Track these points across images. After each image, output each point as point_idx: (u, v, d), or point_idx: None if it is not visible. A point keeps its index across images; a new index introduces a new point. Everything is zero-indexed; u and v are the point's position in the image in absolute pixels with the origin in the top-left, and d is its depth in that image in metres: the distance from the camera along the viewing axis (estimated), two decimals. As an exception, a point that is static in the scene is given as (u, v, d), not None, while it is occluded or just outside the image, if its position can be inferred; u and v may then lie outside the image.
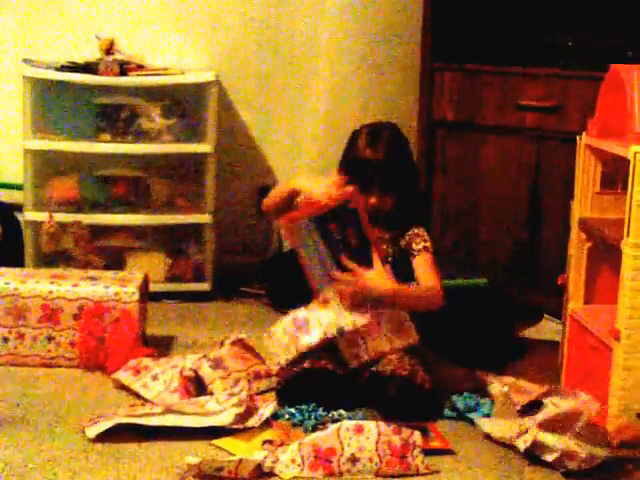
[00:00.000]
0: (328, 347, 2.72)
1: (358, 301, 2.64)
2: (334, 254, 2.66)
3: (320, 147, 3.99)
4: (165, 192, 3.76)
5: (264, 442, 2.42)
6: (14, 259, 3.55)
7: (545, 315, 3.48)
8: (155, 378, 2.77)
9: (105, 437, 2.42)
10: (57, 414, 2.60)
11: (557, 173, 3.42)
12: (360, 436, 2.33)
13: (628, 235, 2.51)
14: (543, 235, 3.50)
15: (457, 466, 2.39)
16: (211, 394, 2.67)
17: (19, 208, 3.72)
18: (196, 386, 2.73)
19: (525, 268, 3.54)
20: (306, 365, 2.68)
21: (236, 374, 2.77)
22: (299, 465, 2.28)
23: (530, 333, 3.41)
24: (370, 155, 2.79)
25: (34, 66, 3.62)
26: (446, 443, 2.49)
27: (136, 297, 2.97)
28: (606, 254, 2.82)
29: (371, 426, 2.36)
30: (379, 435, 2.34)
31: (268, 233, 3.99)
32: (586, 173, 2.86)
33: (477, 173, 3.60)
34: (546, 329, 3.43)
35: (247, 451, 2.37)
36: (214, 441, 2.44)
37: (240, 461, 2.25)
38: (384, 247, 2.84)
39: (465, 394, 2.74)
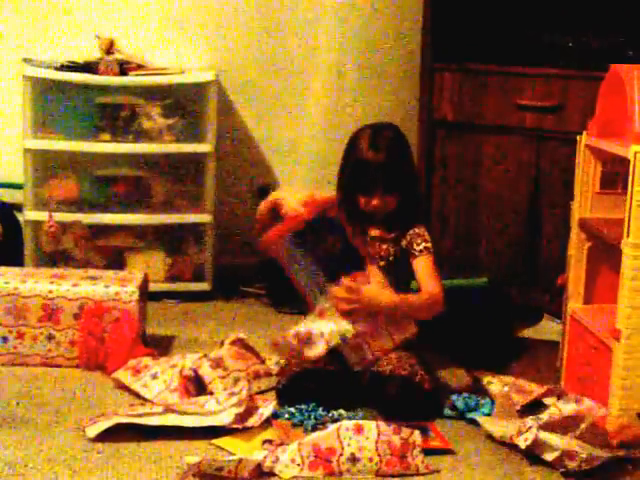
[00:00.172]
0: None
1: (359, 314, 2.65)
2: (322, 266, 2.68)
3: (320, 147, 3.99)
4: (165, 192, 3.76)
5: (264, 442, 2.42)
6: (14, 258, 3.55)
7: (545, 315, 3.48)
8: (155, 377, 2.77)
9: (105, 437, 2.42)
10: (57, 413, 2.60)
11: (557, 173, 3.42)
12: (360, 436, 2.33)
13: (628, 235, 2.51)
14: (543, 235, 3.50)
15: (457, 466, 2.39)
16: (211, 394, 2.67)
17: (19, 207, 3.72)
18: (196, 386, 2.73)
19: (525, 268, 3.54)
20: (306, 365, 2.68)
21: (236, 374, 2.77)
22: (299, 465, 2.28)
23: (530, 333, 3.41)
24: (372, 157, 2.78)
25: (34, 65, 3.62)
26: (446, 443, 2.49)
27: (136, 297, 2.97)
28: (606, 254, 2.82)
29: (371, 426, 2.36)
30: (379, 435, 2.34)
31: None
32: (586, 173, 2.86)
33: (477, 173, 3.60)
34: (546, 329, 3.43)
35: (247, 451, 2.37)
36: (214, 441, 2.44)
37: (240, 461, 2.25)
38: (385, 247, 2.84)
39: (465, 394, 2.74)
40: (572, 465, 2.34)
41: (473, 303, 3.22)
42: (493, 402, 2.69)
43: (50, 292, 2.95)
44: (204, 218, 3.74)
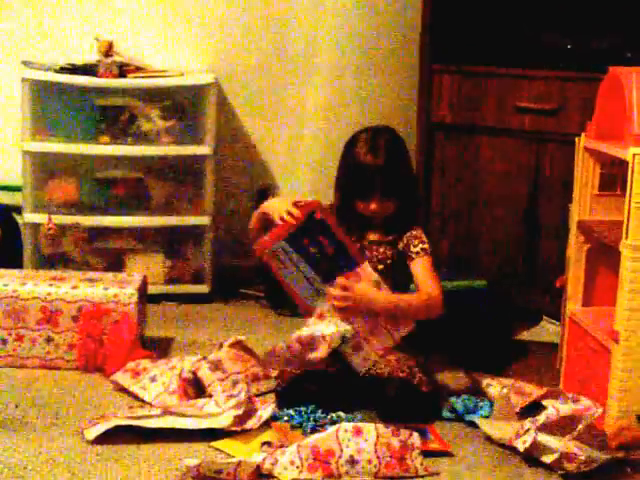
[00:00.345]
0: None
1: (356, 313, 2.66)
2: (316, 268, 2.69)
3: (319, 149, 3.99)
4: (164, 194, 3.76)
5: (263, 444, 2.43)
6: (13, 261, 3.55)
7: (544, 317, 3.48)
8: (154, 380, 2.77)
9: (104, 439, 2.42)
10: (56, 416, 2.60)
11: (556, 175, 3.42)
12: (359, 438, 2.33)
13: (627, 237, 2.51)
14: (542, 237, 3.50)
15: (456, 468, 2.39)
16: (210, 396, 2.66)
17: (18, 210, 3.72)
18: (195, 388, 2.73)
19: (524, 270, 3.54)
20: (307, 367, 2.68)
21: (235, 376, 2.77)
22: (298, 467, 2.28)
23: (529, 335, 3.42)
24: (370, 161, 2.77)
25: (33, 68, 3.63)
26: (445, 445, 2.49)
27: (135, 299, 2.97)
28: (605, 256, 2.82)
29: (370, 428, 2.36)
30: (378, 437, 2.34)
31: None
32: (585, 175, 2.86)
33: (476, 175, 3.60)
34: (545, 331, 3.43)
35: (246, 453, 2.37)
36: (213, 443, 2.44)
37: (239, 463, 2.25)
38: (382, 250, 2.84)
39: (464, 396, 2.74)
40: (571, 467, 2.34)
41: (472, 305, 3.22)
42: (492, 404, 2.70)
43: (49, 294, 2.95)
44: (203, 220, 3.74)
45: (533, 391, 2.76)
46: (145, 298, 3.15)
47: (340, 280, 2.65)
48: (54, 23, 3.83)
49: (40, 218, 3.61)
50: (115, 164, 3.71)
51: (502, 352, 3.17)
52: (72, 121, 3.66)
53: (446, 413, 2.68)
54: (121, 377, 2.81)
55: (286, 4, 3.92)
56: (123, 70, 3.66)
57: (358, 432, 2.34)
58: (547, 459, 2.36)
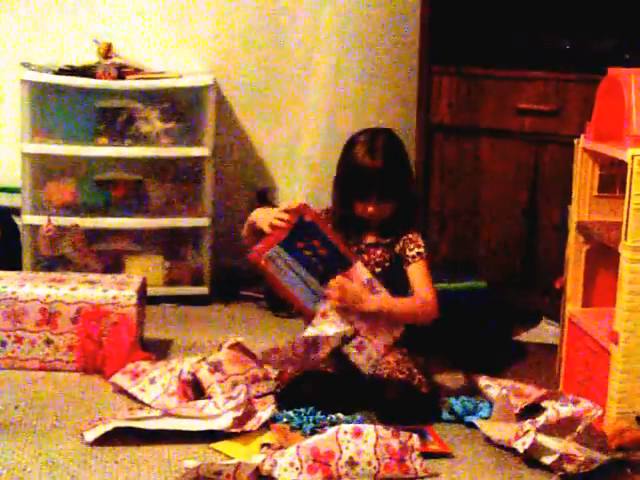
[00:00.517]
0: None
1: (354, 312, 2.68)
2: (312, 271, 2.71)
3: (318, 151, 3.99)
4: (163, 195, 3.76)
5: (262, 445, 2.42)
6: (12, 262, 3.55)
7: (543, 318, 3.48)
8: (153, 382, 2.77)
9: (103, 441, 2.42)
10: (55, 418, 2.59)
11: (555, 176, 3.42)
12: (358, 439, 2.33)
13: (626, 238, 2.51)
14: (541, 238, 3.50)
15: (455, 469, 2.39)
16: (209, 398, 2.66)
17: (17, 212, 3.72)
18: (194, 389, 2.73)
19: (523, 271, 3.55)
20: (307, 367, 2.68)
21: (234, 377, 2.77)
22: (297, 468, 2.28)
23: (528, 336, 3.42)
24: (368, 163, 2.77)
25: (32, 70, 3.62)
26: (444, 446, 2.49)
27: (134, 301, 2.97)
28: (604, 257, 2.82)
29: (370, 429, 2.35)
30: (377, 438, 2.33)
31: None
32: (584, 176, 2.86)
33: (475, 176, 3.60)
34: (544, 332, 3.43)
35: (245, 454, 2.37)
36: (212, 445, 2.44)
37: (238, 465, 2.25)
38: (379, 252, 2.84)
39: (463, 397, 2.74)
40: (571, 468, 2.34)
41: (471, 306, 3.22)
42: (491, 405, 2.69)
43: (48, 296, 2.95)
44: (202, 222, 3.74)
45: (532, 392, 2.76)
46: (144, 300, 3.15)
47: (333, 281, 2.67)
48: (53, 25, 3.83)
49: (39, 220, 3.60)
50: (114, 166, 3.71)
51: (501, 353, 3.17)
52: (71, 123, 3.67)
53: (445, 414, 2.68)
54: (120, 379, 2.80)
55: (285, 6, 3.92)
56: (122, 72, 3.66)
57: (358, 434, 2.34)
58: (547, 460, 2.36)
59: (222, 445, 2.44)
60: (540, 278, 3.48)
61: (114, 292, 2.97)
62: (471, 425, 2.62)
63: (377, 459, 2.31)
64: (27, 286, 2.97)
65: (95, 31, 3.79)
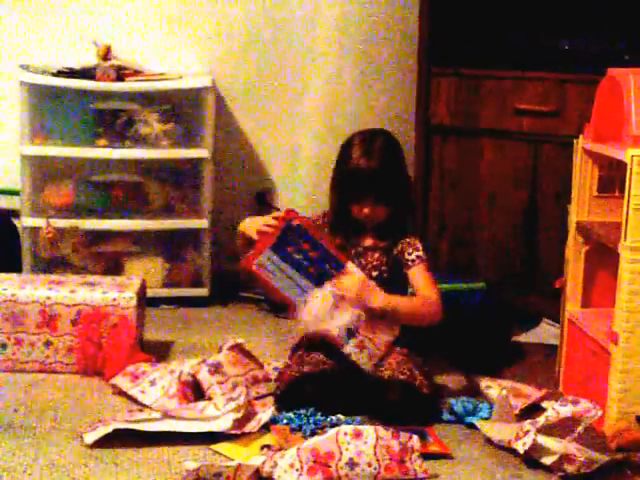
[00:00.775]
0: (329, 352, 2.73)
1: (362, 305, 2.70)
2: (305, 274, 2.74)
3: (318, 152, 3.99)
4: (163, 197, 3.76)
5: (262, 447, 2.42)
6: (12, 265, 3.55)
7: (543, 318, 3.48)
8: (153, 383, 2.77)
9: (103, 443, 2.42)
10: (55, 420, 2.59)
11: (555, 177, 3.42)
12: (359, 441, 2.32)
13: (625, 238, 2.51)
14: (541, 239, 3.50)
15: (455, 470, 2.39)
16: (209, 399, 2.66)
17: (16, 214, 3.72)
18: (194, 391, 2.73)
19: (523, 272, 3.55)
20: (305, 370, 2.68)
21: (234, 379, 2.77)
22: (297, 470, 2.28)
23: (528, 337, 3.42)
24: (364, 164, 2.77)
25: (31, 72, 3.63)
26: (444, 447, 2.49)
27: (134, 302, 2.97)
28: (604, 257, 2.82)
29: (370, 430, 2.35)
30: (377, 440, 2.33)
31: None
32: (583, 177, 2.86)
33: (475, 177, 3.60)
34: (544, 333, 3.43)
35: (245, 456, 2.37)
36: (212, 446, 2.44)
37: (239, 466, 2.25)
38: (376, 256, 2.84)
39: (463, 398, 2.74)
40: (571, 469, 2.34)
41: (471, 307, 3.22)
42: (491, 406, 2.69)
43: (48, 298, 2.94)
44: (202, 223, 3.74)
45: (532, 393, 2.76)
46: (144, 301, 3.15)
47: (338, 281, 2.69)
48: (52, 27, 3.83)
49: (38, 222, 3.60)
50: (113, 168, 3.71)
51: (501, 354, 3.17)
52: (70, 125, 3.66)
53: (446, 415, 2.68)
54: (120, 381, 2.80)
55: (284, 7, 3.92)
56: (121, 74, 3.66)
57: (358, 435, 2.34)
58: (547, 461, 2.36)
59: (222, 447, 2.44)
60: (540, 278, 3.48)
61: (114, 294, 2.97)
62: (471, 426, 2.62)
63: (377, 460, 2.31)
64: (27, 288, 2.97)
65: (94, 33, 3.79)
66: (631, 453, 2.44)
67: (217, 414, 2.53)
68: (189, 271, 3.78)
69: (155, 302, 3.56)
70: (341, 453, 2.30)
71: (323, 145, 3.96)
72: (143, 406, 2.69)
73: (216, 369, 2.76)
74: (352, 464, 2.29)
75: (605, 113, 2.76)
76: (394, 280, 2.81)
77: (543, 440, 2.38)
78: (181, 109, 3.73)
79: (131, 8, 3.86)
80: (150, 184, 3.75)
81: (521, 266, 3.55)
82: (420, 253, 2.81)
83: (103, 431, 2.44)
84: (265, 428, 2.53)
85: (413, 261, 2.81)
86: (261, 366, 2.93)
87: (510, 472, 2.39)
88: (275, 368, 2.93)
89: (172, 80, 3.71)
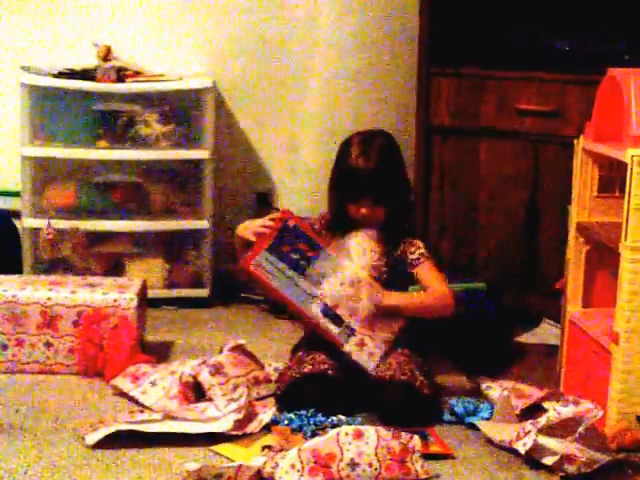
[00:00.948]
0: (329, 352, 2.73)
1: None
2: (302, 273, 2.75)
3: (318, 152, 3.99)
4: (163, 198, 3.76)
5: (263, 448, 2.42)
6: (12, 266, 3.55)
7: (544, 319, 3.48)
8: (154, 384, 2.77)
9: (105, 444, 2.42)
10: (56, 421, 2.59)
11: (556, 177, 3.42)
12: (359, 441, 2.32)
13: (626, 238, 2.51)
14: (541, 239, 3.50)
15: (457, 470, 2.39)
16: (210, 400, 2.66)
17: (17, 215, 3.72)
18: (195, 392, 2.73)
19: (523, 272, 3.54)
20: (306, 370, 2.68)
21: (235, 380, 2.77)
22: (299, 471, 2.28)
23: (529, 337, 3.42)
24: (361, 165, 2.77)
25: (32, 73, 3.63)
26: (446, 448, 2.49)
27: (135, 303, 2.97)
28: (604, 257, 2.82)
29: (371, 431, 2.35)
30: (378, 440, 2.33)
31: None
32: (583, 177, 2.86)
33: (475, 177, 3.60)
34: (545, 333, 3.43)
35: (246, 457, 2.37)
36: (213, 447, 2.44)
37: (240, 467, 2.25)
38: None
39: (464, 398, 2.74)
40: (572, 469, 2.34)
41: (472, 307, 3.22)
42: (492, 406, 2.69)
43: (49, 299, 2.95)
44: (202, 224, 3.74)
45: (533, 393, 2.76)
46: (145, 302, 3.15)
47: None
48: (53, 28, 3.83)
49: (39, 223, 3.60)
50: (114, 169, 3.71)
51: (502, 354, 3.17)
52: (71, 126, 3.66)
53: (447, 416, 2.68)
54: (121, 382, 2.80)
55: (284, 8, 3.92)
56: (121, 75, 3.66)
57: (359, 435, 2.34)
58: (548, 461, 2.36)
59: (223, 447, 2.44)
60: (540, 278, 3.48)
61: (115, 295, 2.97)
62: (472, 426, 2.62)
63: (378, 460, 2.31)
64: (28, 289, 2.97)
65: (94, 34, 3.79)
66: (632, 453, 2.44)
67: (218, 415, 2.53)
68: (190, 272, 3.78)
69: (156, 303, 3.56)
70: (342, 454, 2.30)
71: (323, 145, 3.96)
72: (144, 407, 2.69)
73: (217, 370, 2.76)
74: (353, 465, 2.29)
75: (605, 113, 2.76)
76: (393, 283, 2.81)
77: (544, 440, 2.38)
78: (181, 110, 3.73)
79: (131, 9, 3.86)
80: (150, 185, 3.75)
81: (521, 266, 3.55)
82: (422, 251, 2.82)
83: (104, 432, 2.44)
84: (266, 429, 2.54)
85: (418, 259, 2.81)
86: (262, 367, 2.93)
87: (511, 472, 2.39)
88: (276, 369, 2.94)
89: (172, 81, 3.71)
